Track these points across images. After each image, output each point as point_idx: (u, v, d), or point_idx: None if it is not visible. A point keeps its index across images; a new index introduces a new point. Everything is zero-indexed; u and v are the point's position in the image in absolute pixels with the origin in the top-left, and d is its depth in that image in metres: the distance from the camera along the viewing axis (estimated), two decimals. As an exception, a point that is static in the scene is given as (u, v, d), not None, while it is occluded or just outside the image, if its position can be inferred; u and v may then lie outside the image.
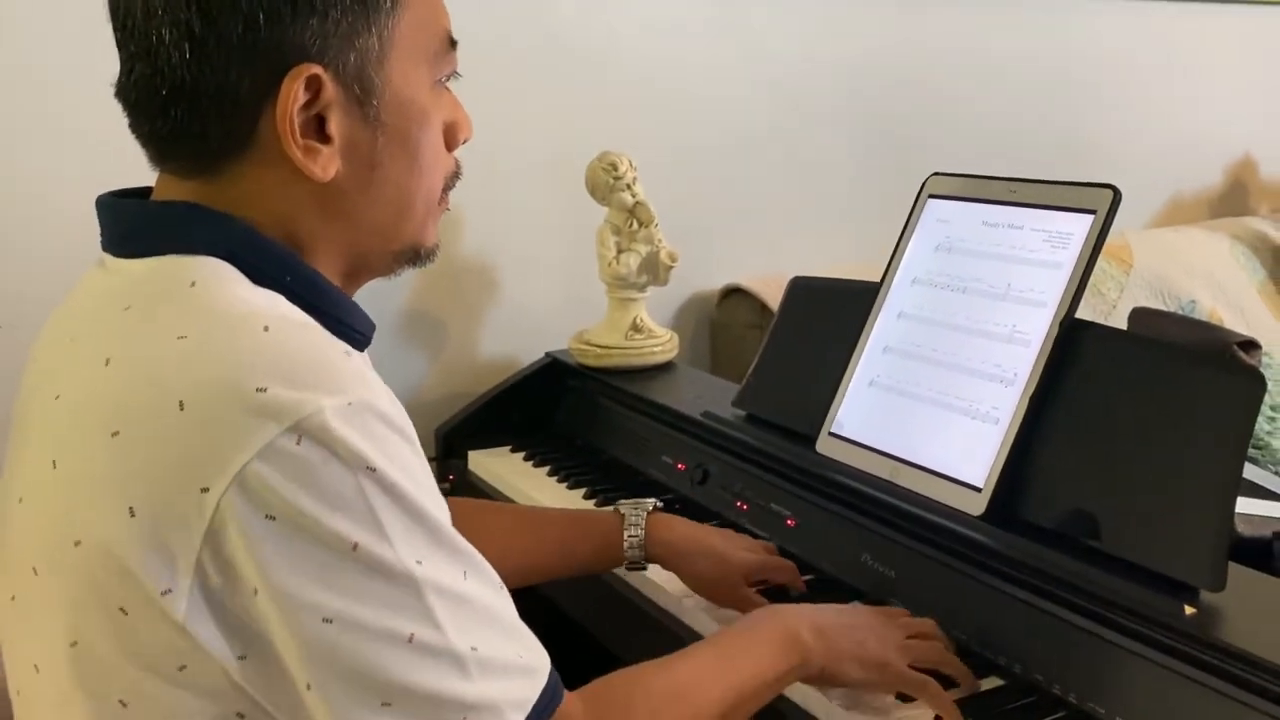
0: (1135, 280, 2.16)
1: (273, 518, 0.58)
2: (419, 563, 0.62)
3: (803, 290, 1.35)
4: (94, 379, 0.64)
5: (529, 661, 0.68)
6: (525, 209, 1.67)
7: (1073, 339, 1.02)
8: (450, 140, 0.78)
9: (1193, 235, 2.32)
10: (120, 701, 0.62)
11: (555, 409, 1.60)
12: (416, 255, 0.78)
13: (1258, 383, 0.89)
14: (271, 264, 0.68)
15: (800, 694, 0.95)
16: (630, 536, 1.08)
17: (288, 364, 0.61)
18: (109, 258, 0.72)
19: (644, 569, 1.11)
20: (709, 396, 1.41)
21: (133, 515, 0.59)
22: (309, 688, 0.60)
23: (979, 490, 1.02)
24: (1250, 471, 1.57)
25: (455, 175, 0.80)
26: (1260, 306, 2.32)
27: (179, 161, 0.70)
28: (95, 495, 0.60)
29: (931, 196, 1.20)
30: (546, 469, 1.45)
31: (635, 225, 1.50)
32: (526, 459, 1.50)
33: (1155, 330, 1.83)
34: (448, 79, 0.77)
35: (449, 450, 1.54)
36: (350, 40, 0.68)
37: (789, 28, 1.85)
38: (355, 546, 0.59)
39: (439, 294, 1.64)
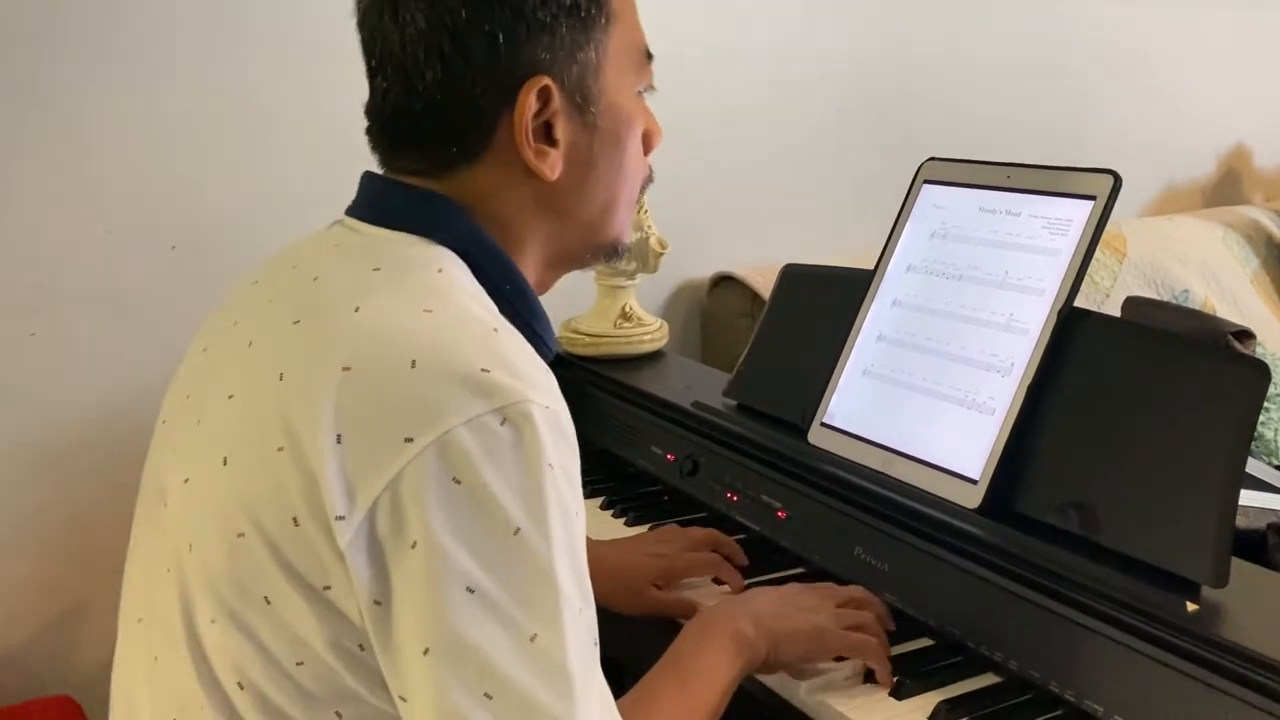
0: (1129, 269, 2.14)
1: (459, 481, 0.62)
2: (562, 572, 0.65)
3: (794, 278, 1.32)
4: (339, 320, 0.69)
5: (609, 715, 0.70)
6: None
7: (1071, 328, 0.99)
8: (647, 146, 0.86)
9: (1186, 224, 2.31)
10: (265, 598, 0.66)
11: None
12: (614, 250, 0.86)
13: (1262, 374, 0.87)
14: (497, 269, 0.76)
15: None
16: None
17: (511, 359, 0.66)
18: (355, 221, 0.79)
19: None
20: (699, 386, 1.38)
21: (339, 442, 0.64)
22: (426, 652, 0.63)
23: (975, 482, 1.00)
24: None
25: (649, 178, 0.88)
26: (1253, 296, 2.31)
27: (418, 164, 0.78)
28: (313, 415, 0.65)
29: (927, 182, 1.17)
30: (533, 459, 1.42)
31: (624, 211, 1.47)
32: (513, 449, 1.47)
33: (1149, 319, 1.81)
34: (646, 90, 0.85)
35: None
36: (573, 54, 0.77)
37: (781, 15, 1.82)
38: (518, 531, 0.63)
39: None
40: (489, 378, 0.64)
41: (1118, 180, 1.00)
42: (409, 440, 0.63)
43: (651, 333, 1.51)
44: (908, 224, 1.17)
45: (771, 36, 1.82)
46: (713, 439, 1.28)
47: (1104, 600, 0.87)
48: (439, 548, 0.62)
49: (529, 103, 0.75)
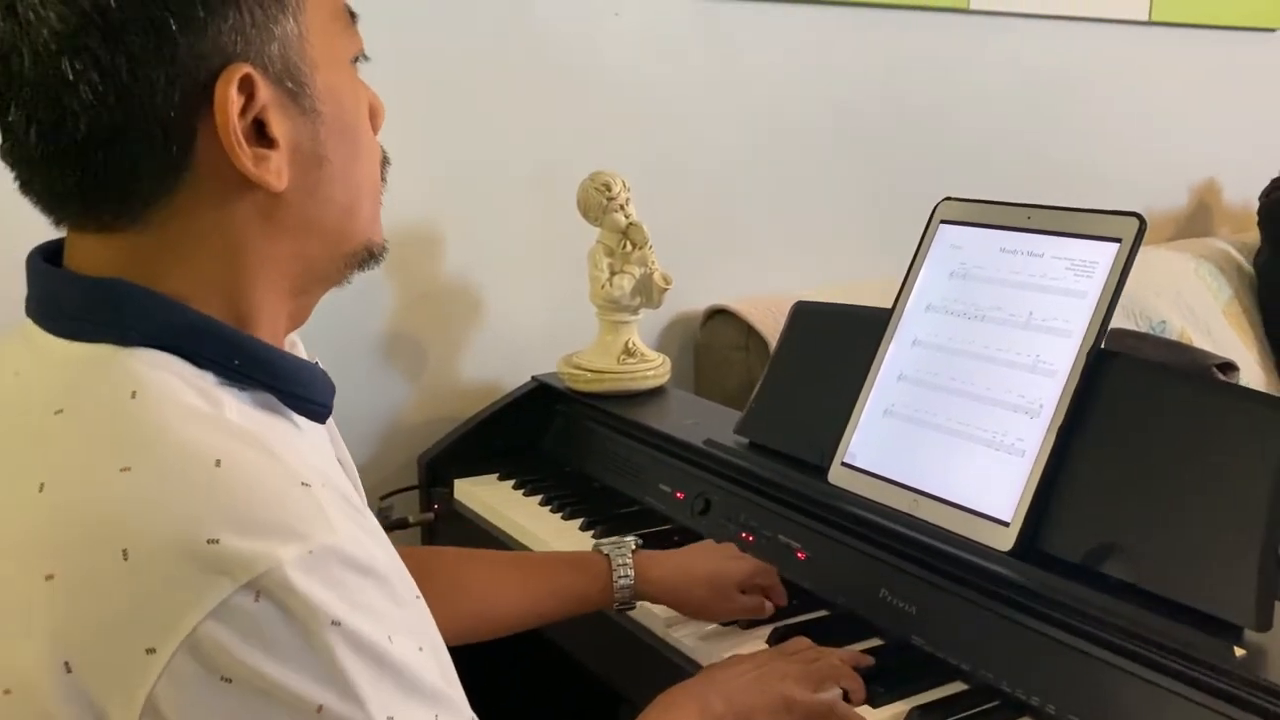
0: (1108, 301, 2.17)
1: (229, 680, 0.52)
2: (390, 718, 0.56)
3: (806, 315, 1.32)
4: (24, 505, 0.56)
5: None
6: (508, 228, 1.63)
7: (1100, 370, 1.00)
8: (374, 124, 0.71)
9: (1160, 255, 2.34)
10: None
11: (542, 435, 1.56)
12: (370, 255, 0.71)
13: (1299, 417, 0.87)
14: (216, 348, 0.62)
15: None
16: (620, 579, 1.06)
17: (243, 508, 0.54)
18: (35, 329, 0.64)
19: (632, 608, 1.08)
20: (707, 423, 1.37)
21: (68, 671, 0.53)
22: None
23: (1007, 524, 1.00)
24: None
25: (386, 161, 0.73)
26: (1226, 326, 2.35)
27: (100, 215, 0.62)
28: (28, 644, 0.53)
29: (944, 222, 1.17)
30: (539, 498, 1.40)
31: (628, 246, 1.47)
32: (516, 488, 1.45)
33: (1134, 353, 1.84)
34: (356, 59, 0.70)
35: (434, 479, 1.49)
36: (269, 30, 0.62)
37: (774, 49, 1.83)
38: (320, 709, 0.54)
39: (419, 316, 1.59)
40: (220, 549, 0.52)
41: (1143, 223, 1.01)
42: (151, 651, 0.52)
43: (655, 368, 1.50)
44: (925, 263, 1.17)
45: (762, 71, 1.82)
46: (725, 477, 1.27)
47: (1147, 644, 0.87)
48: None
49: (230, 99, 0.59)
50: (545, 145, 1.62)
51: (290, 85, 0.63)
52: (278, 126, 0.62)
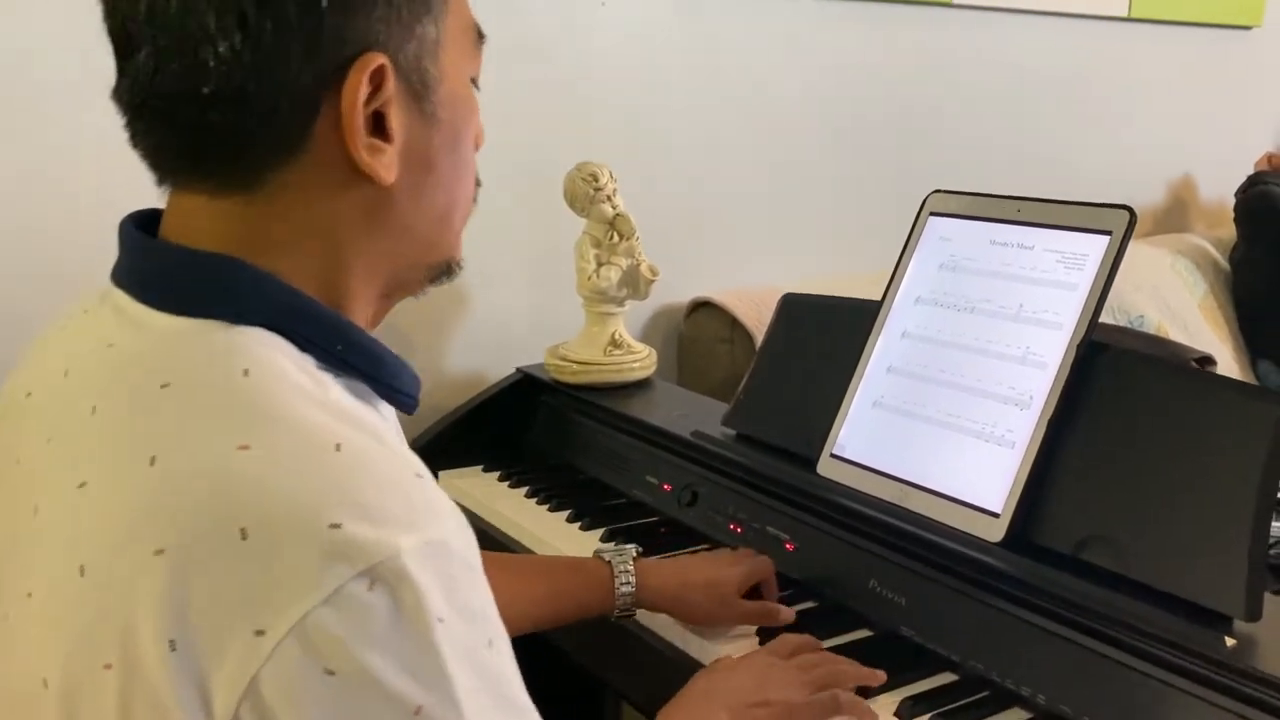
0: (1087, 295, 2.18)
1: (332, 673, 0.51)
2: None
3: (795, 307, 1.32)
4: (134, 477, 0.55)
5: None
6: (493, 219, 1.60)
7: (1091, 362, 1.00)
8: (475, 145, 0.71)
9: (1138, 250, 2.36)
10: None
11: (527, 427, 1.55)
12: (449, 269, 0.72)
13: (1289, 409, 0.88)
14: (321, 333, 0.62)
15: None
16: (622, 586, 1.05)
17: (363, 494, 0.53)
18: (128, 300, 0.62)
19: (632, 615, 1.08)
20: (693, 415, 1.37)
21: (173, 649, 0.52)
22: None
23: (997, 516, 1.00)
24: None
25: (478, 183, 0.73)
26: (1201, 321, 2.37)
27: (210, 177, 0.61)
28: (135, 618, 0.52)
29: (933, 214, 1.18)
30: (524, 490, 1.40)
31: (615, 238, 1.46)
32: (501, 480, 1.44)
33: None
34: (474, 80, 0.70)
35: (418, 470, 1.48)
36: (411, 29, 0.62)
37: (761, 42, 1.82)
38: (419, 710, 0.53)
39: (403, 307, 1.54)
40: (341, 535, 0.52)
41: (1133, 216, 1.01)
42: (260, 633, 0.51)
43: (641, 360, 1.50)
44: (914, 256, 1.17)
45: (750, 62, 1.82)
46: (713, 469, 1.27)
47: (1137, 635, 0.87)
48: None
49: (360, 86, 0.59)
50: (532, 135, 1.61)
51: (417, 86, 0.63)
52: (396, 122, 0.62)
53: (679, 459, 1.32)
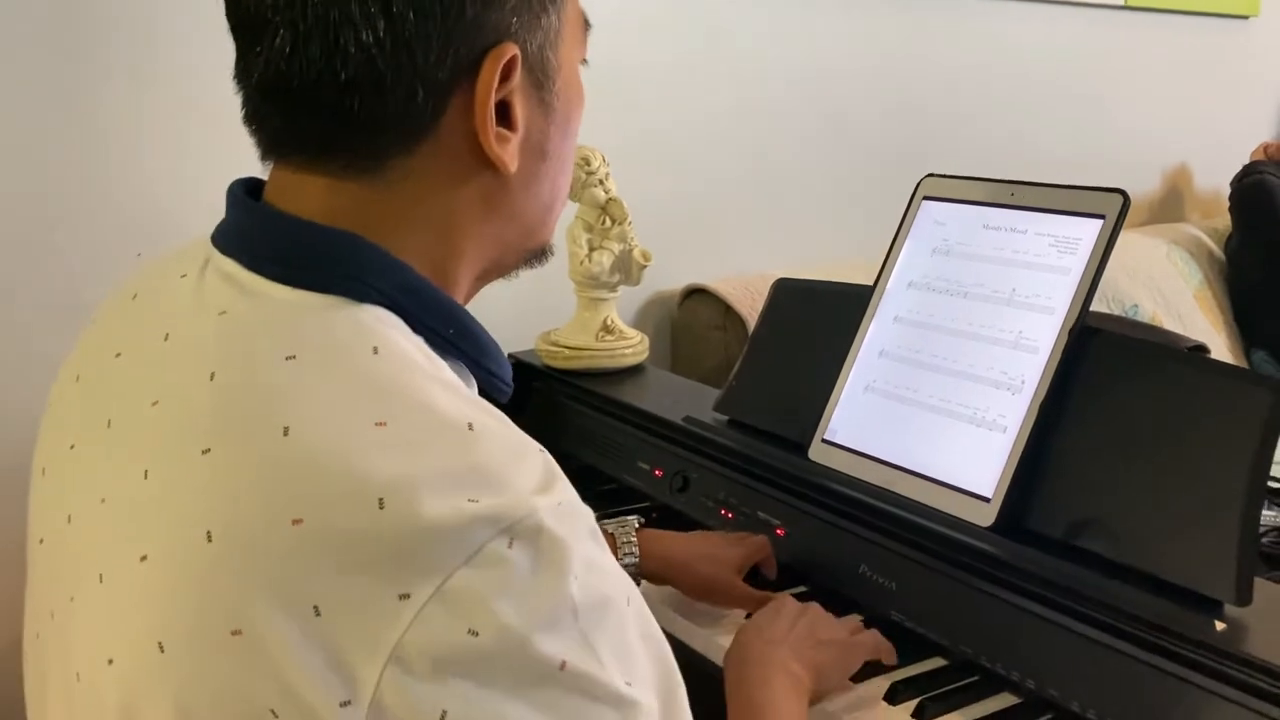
0: (1082, 284, 2.18)
1: (475, 634, 0.51)
2: (628, 684, 0.55)
3: (787, 292, 1.31)
4: (266, 450, 0.54)
5: None
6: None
7: (1082, 346, 1.00)
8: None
9: (1133, 240, 2.36)
10: None
11: (519, 412, 1.54)
12: (543, 254, 0.73)
13: (1280, 393, 0.88)
14: (436, 316, 0.62)
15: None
16: (626, 556, 1.06)
17: (496, 466, 0.54)
18: (238, 268, 0.62)
19: (637, 586, 1.08)
20: (685, 400, 1.37)
21: (317, 614, 0.51)
22: None
23: (988, 500, 1.00)
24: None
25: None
26: (1196, 311, 2.37)
27: (334, 160, 0.61)
28: (270, 586, 0.52)
29: (926, 198, 1.17)
30: (515, 475, 1.39)
31: (608, 222, 1.45)
32: (493, 465, 1.43)
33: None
34: (582, 64, 0.71)
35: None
36: (539, 19, 0.63)
37: (756, 27, 1.82)
38: (564, 665, 0.53)
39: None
40: (479, 509, 0.52)
41: (1126, 200, 1.01)
42: (404, 597, 0.51)
43: (633, 346, 1.49)
44: (907, 240, 1.17)
45: (742, 48, 1.81)
46: (705, 455, 1.27)
47: (1129, 619, 0.87)
48: (475, 710, 0.52)
49: (494, 77, 0.60)
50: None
51: (539, 76, 0.64)
52: (521, 112, 0.63)
53: (670, 444, 1.31)
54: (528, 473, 0.55)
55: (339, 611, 0.51)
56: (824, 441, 1.15)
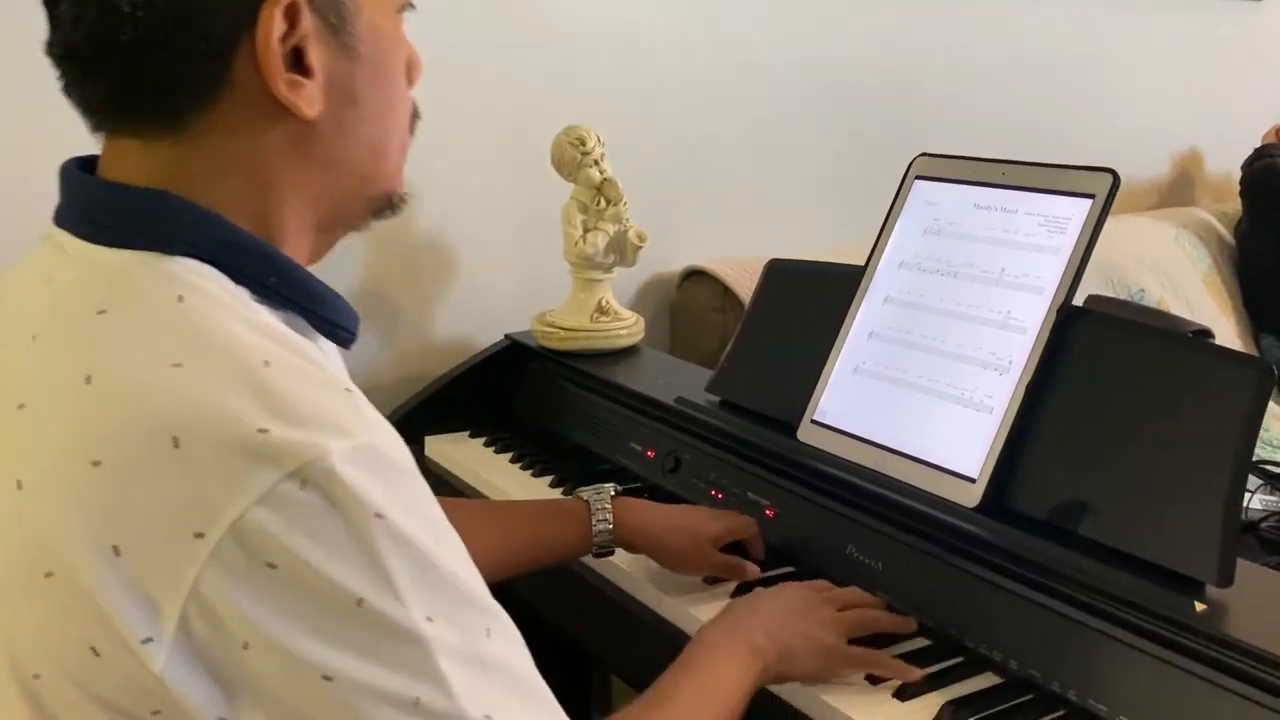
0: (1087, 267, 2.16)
1: (273, 566, 0.53)
2: (430, 620, 0.56)
3: (780, 273, 1.31)
4: (71, 397, 0.57)
5: None
6: (481, 185, 1.61)
7: (1071, 326, 0.99)
8: (409, 78, 0.72)
9: (1141, 224, 2.34)
10: None
11: (514, 393, 1.54)
12: (389, 202, 0.73)
13: (1267, 373, 0.87)
14: (253, 265, 0.63)
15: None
16: (599, 523, 1.06)
17: (290, 403, 0.55)
18: (68, 237, 0.64)
19: (611, 554, 1.09)
20: (679, 382, 1.36)
21: (117, 554, 0.53)
22: None
23: (973, 481, 1.00)
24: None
25: (416, 115, 0.74)
26: (1204, 295, 2.35)
27: (138, 122, 0.63)
28: (73, 528, 0.54)
29: (918, 178, 1.16)
30: (509, 455, 1.40)
31: (603, 203, 1.45)
32: (487, 445, 1.44)
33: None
34: (402, 9, 0.70)
35: (404, 436, 1.45)
36: None
37: (753, 8, 1.80)
38: (360, 601, 0.54)
39: (392, 273, 1.57)
40: (270, 438, 0.53)
41: (1116, 179, 1.00)
42: (199, 536, 0.53)
43: (628, 327, 1.49)
44: (899, 220, 1.16)
45: (741, 31, 1.80)
46: (696, 435, 1.27)
47: (1110, 600, 0.87)
48: (275, 642, 0.53)
49: (274, 23, 0.61)
50: (519, 99, 1.60)
51: (333, 20, 0.64)
52: (315, 57, 0.63)
53: (663, 425, 1.31)
54: (325, 411, 0.56)
55: (139, 550, 0.54)
56: (813, 422, 1.15)
